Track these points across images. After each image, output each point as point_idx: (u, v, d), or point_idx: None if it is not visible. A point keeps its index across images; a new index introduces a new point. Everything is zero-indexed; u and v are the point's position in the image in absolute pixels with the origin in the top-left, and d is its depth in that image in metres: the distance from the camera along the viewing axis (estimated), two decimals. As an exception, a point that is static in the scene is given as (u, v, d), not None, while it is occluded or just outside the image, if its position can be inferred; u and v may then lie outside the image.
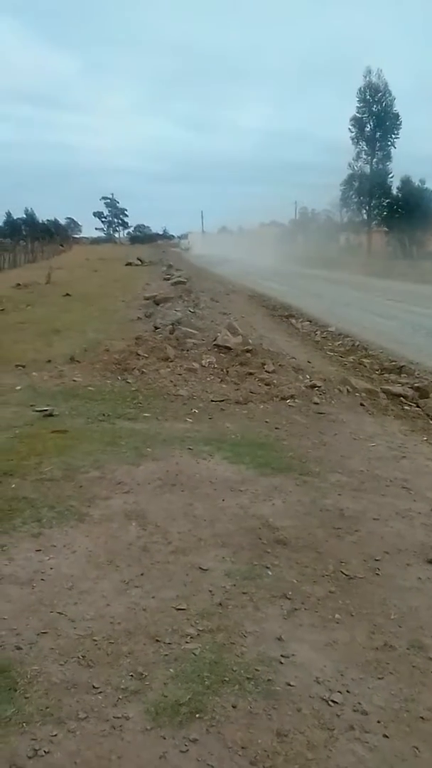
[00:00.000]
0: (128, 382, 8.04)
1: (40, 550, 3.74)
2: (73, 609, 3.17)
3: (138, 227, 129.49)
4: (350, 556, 3.82)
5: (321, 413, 7.10)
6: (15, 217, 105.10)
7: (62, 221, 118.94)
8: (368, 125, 58.56)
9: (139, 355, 9.30)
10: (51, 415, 6.46)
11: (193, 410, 6.98)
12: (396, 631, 3.10)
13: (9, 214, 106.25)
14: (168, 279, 26.59)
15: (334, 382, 8.21)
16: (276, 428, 6.47)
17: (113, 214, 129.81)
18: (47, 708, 2.49)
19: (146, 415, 6.72)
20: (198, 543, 3.90)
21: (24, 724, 2.40)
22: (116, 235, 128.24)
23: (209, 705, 2.53)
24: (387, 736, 2.43)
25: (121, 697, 2.56)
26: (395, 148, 58.34)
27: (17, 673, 2.68)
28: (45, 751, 2.29)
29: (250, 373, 8.52)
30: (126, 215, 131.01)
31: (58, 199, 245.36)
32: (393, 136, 58.21)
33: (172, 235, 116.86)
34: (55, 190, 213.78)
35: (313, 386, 7.94)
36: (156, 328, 12.00)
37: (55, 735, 2.36)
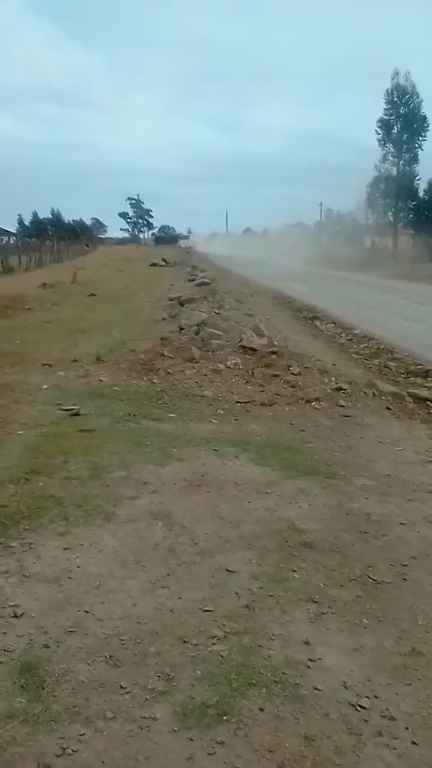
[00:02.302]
0: (154, 383, 8.07)
1: (67, 549, 3.76)
2: (100, 608, 3.18)
3: (162, 228, 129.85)
4: (377, 560, 3.79)
5: (347, 416, 7.05)
6: (41, 217, 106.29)
7: (88, 221, 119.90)
8: (395, 127, 58.04)
9: (164, 355, 9.32)
10: (77, 414, 6.51)
11: (219, 411, 6.98)
12: (424, 637, 3.07)
13: (35, 214, 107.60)
14: (192, 280, 26.56)
15: (360, 385, 8.14)
16: (301, 431, 6.44)
17: (138, 214, 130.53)
18: (75, 707, 2.50)
19: (172, 415, 6.74)
20: (224, 544, 3.90)
21: (52, 722, 2.42)
22: (141, 235, 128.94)
23: (236, 707, 2.53)
24: (415, 743, 2.40)
25: (148, 697, 2.57)
26: (422, 150, 57.75)
27: (45, 671, 2.70)
28: (73, 750, 2.30)
29: (276, 375, 8.50)
30: (151, 216, 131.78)
31: (84, 199, 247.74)
32: (420, 138, 57.63)
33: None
34: (81, 190, 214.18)
35: (338, 389, 7.89)
36: (181, 328, 12.00)
37: (83, 734, 2.37)
